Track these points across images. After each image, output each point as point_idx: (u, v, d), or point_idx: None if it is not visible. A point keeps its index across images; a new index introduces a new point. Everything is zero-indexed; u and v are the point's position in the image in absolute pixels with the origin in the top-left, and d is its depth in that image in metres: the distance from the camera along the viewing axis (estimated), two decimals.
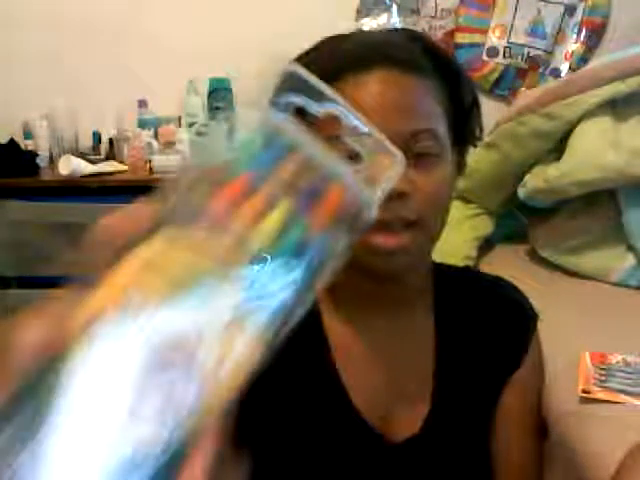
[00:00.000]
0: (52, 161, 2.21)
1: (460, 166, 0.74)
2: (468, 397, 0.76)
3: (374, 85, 0.62)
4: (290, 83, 0.30)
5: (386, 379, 0.73)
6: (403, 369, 0.73)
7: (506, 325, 0.79)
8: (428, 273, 0.77)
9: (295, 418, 0.71)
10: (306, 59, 0.67)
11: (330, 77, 0.62)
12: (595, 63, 1.84)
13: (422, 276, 0.75)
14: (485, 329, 0.78)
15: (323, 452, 0.71)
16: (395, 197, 0.61)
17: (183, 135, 2.27)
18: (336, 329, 0.73)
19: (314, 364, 0.72)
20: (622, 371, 1.08)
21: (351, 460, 0.71)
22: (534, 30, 2.36)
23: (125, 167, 2.19)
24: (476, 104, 0.73)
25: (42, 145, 2.24)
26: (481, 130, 0.76)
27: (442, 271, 0.79)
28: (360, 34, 0.70)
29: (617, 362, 1.10)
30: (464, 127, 0.71)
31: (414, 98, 0.63)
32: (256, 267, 0.28)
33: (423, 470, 0.73)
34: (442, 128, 0.66)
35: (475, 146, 0.77)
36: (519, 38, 2.37)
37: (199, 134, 2.27)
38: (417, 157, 0.63)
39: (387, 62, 0.63)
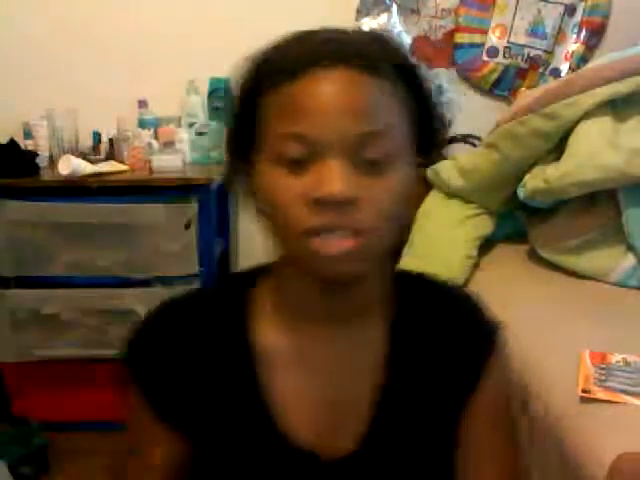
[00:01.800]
0: (52, 161, 2.21)
1: (422, 177, 0.70)
2: (416, 415, 0.73)
3: (333, 83, 0.61)
4: None
5: (324, 393, 0.70)
6: (345, 383, 0.71)
7: (466, 346, 0.75)
8: (385, 283, 0.73)
9: (217, 434, 0.70)
10: (271, 52, 0.66)
11: (296, 70, 0.62)
12: (595, 63, 1.85)
13: (376, 286, 0.72)
14: (444, 347, 0.74)
15: (246, 470, 0.70)
16: (343, 203, 0.59)
17: (183, 135, 2.27)
18: (270, 339, 0.71)
19: (234, 376, 0.70)
20: (622, 371, 1.08)
21: (271, 475, 0.70)
22: (534, 30, 2.36)
23: (125, 167, 2.18)
24: (439, 113, 0.70)
25: (42, 145, 2.23)
26: (443, 141, 0.73)
27: (406, 282, 0.76)
28: (326, 31, 0.67)
29: (617, 362, 1.10)
30: (428, 135, 0.69)
31: (373, 101, 0.62)
32: None
33: None
34: (400, 134, 0.64)
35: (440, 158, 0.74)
36: (519, 38, 2.37)
37: (199, 134, 2.27)
38: (370, 162, 0.61)
39: (350, 62, 0.61)
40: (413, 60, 0.68)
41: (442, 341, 0.74)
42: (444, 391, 0.74)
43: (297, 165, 0.61)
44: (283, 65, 0.63)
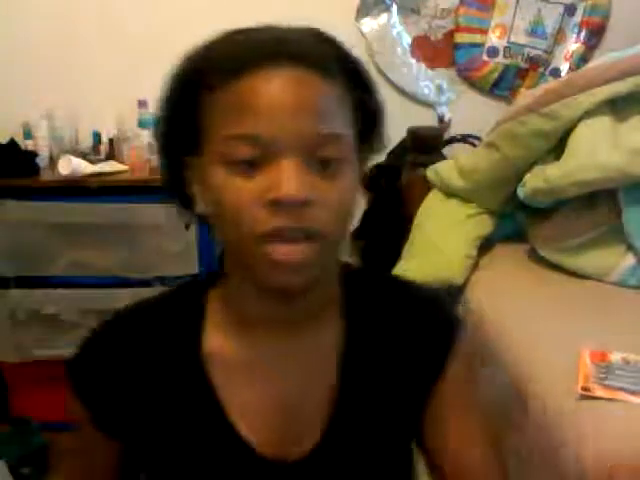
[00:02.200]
0: (52, 161, 2.21)
1: (361, 177, 0.69)
2: (374, 411, 0.72)
3: (285, 83, 0.59)
4: None
5: (280, 395, 0.70)
6: (301, 385, 0.70)
7: (422, 340, 0.73)
8: (335, 284, 0.73)
9: (172, 442, 0.70)
10: (214, 48, 0.65)
11: (242, 67, 0.60)
12: (595, 63, 1.84)
13: (327, 289, 0.71)
14: (400, 342, 0.73)
15: (200, 470, 0.69)
16: (299, 205, 0.58)
17: None
18: (223, 346, 0.70)
19: (187, 385, 0.69)
20: (622, 370, 1.08)
21: (228, 478, 0.69)
22: (534, 30, 2.36)
23: (125, 167, 2.18)
24: (382, 112, 0.70)
25: (42, 145, 2.23)
26: (383, 140, 0.71)
27: (355, 279, 0.75)
28: (271, 28, 0.67)
29: (617, 361, 1.11)
30: (371, 135, 0.69)
31: (325, 100, 0.61)
32: None
33: None
34: (350, 134, 0.63)
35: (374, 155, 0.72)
36: (519, 38, 2.37)
37: None
38: (323, 163, 0.60)
39: (300, 61, 0.60)
40: (354, 55, 0.67)
41: (397, 336, 0.73)
42: (402, 386, 0.73)
43: (248, 166, 0.59)
44: (227, 63, 0.61)
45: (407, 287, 0.79)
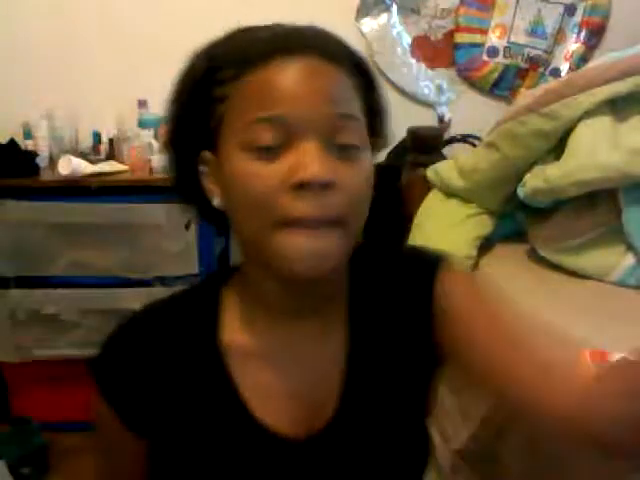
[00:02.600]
0: (52, 161, 2.21)
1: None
2: (385, 385, 0.73)
3: (300, 71, 0.62)
4: None
5: (293, 381, 0.71)
6: (313, 369, 0.72)
7: (416, 295, 0.73)
8: (345, 269, 0.74)
9: (193, 434, 0.71)
10: (225, 44, 0.67)
11: (257, 58, 0.62)
12: (595, 63, 1.84)
13: (340, 276, 0.73)
14: (398, 308, 0.74)
15: (220, 455, 0.71)
16: (323, 186, 0.59)
17: None
18: (239, 337, 0.72)
19: (206, 375, 0.71)
20: None
21: (248, 461, 0.70)
22: (534, 30, 2.36)
23: (125, 167, 2.19)
24: (385, 107, 0.72)
25: (42, 145, 2.23)
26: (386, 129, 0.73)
27: (357, 258, 0.74)
28: (278, 25, 0.69)
29: (617, 361, 1.10)
30: (375, 129, 0.71)
31: (339, 87, 0.63)
32: None
33: (328, 468, 0.72)
34: (363, 121, 0.66)
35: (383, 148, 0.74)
36: (519, 38, 2.37)
37: None
38: (341, 148, 0.62)
39: (313, 51, 0.63)
40: (358, 51, 0.69)
41: (394, 304, 0.74)
42: (409, 350, 0.74)
43: (270, 151, 0.61)
44: (241, 55, 0.63)
45: (398, 255, 0.79)
